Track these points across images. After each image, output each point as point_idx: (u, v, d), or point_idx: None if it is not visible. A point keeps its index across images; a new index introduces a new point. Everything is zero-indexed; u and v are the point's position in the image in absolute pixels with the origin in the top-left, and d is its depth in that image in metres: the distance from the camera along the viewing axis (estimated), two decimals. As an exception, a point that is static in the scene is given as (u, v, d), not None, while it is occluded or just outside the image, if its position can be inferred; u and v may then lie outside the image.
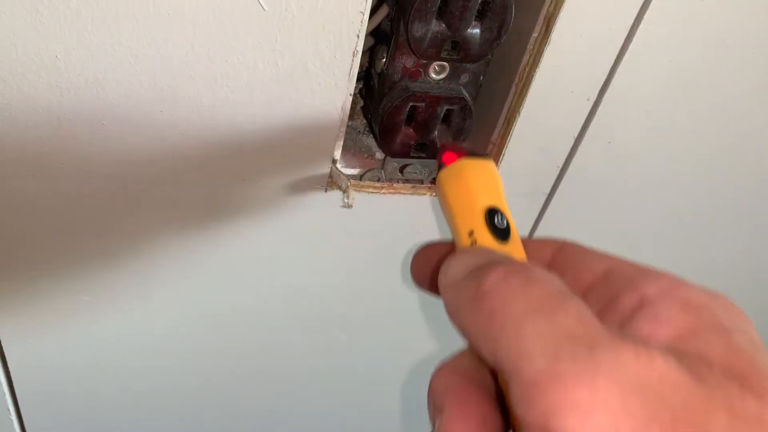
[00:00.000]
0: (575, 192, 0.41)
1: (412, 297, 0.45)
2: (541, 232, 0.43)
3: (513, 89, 0.35)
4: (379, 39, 0.35)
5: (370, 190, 0.37)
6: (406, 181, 0.38)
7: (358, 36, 0.29)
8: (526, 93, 0.34)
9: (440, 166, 0.24)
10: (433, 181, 0.38)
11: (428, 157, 0.37)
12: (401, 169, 0.38)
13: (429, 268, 0.23)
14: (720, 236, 0.48)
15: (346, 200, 0.34)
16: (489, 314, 0.17)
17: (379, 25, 0.34)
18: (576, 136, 0.37)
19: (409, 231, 0.40)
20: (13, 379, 0.42)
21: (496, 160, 0.38)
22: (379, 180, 0.38)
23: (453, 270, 0.20)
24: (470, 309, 0.18)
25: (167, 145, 0.32)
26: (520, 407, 0.16)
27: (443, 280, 0.20)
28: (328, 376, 0.50)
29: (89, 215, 0.34)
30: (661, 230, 0.46)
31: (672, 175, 0.42)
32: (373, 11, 0.33)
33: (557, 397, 0.15)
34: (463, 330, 0.19)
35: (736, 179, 0.43)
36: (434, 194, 0.38)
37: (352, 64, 0.30)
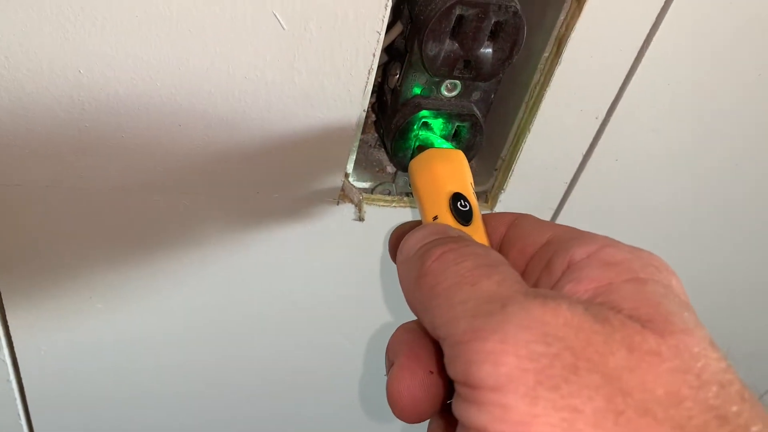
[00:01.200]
0: (582, 208, 0.41)
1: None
2: (547, 247, 0.43)
3: (523, 107, 0.36)
4: (392, 55, 0.36)
5: (381, 203, 0.38)
6: (416, 195, 0.39)
7: (373, 55, 0.30)
8: (536, 111, 0.35)
9: (414, 154, 0.26)
10: (443, 195, 0.39)
11: (439, 172, 0.37)
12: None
13: (399, 243, 0.25)
14: (727, 254, 0.48)
15: (358, 213, 0.35)
16: (429, 289, 0.19)
17: (393, 42, 0.35)
18: (584, 153, 0.38)
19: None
20: (24, 384, 0.43)
21: (505, 176, 0.38)
22: (389, 194, 0.38)
23: (406, 247, 0.22)
24: (415, 284, 0.20)
25: (184, 158, 0.32)
26: (449, 368, 0.18)
27: (399, 256, 0.22)
28: (335, 384, 0.50)
29: (104, 224, 0.35)
30: (667, 247, 0.47)
31: (678, 193, 0.42)
32: (387, 28, 0.33)
33: (474, 350, 0.17)
34: (411, 305, 0.21)
35: (744, 198, 0.44)
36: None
37: (367, 82, 0.31)
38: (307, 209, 0.36)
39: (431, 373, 0.21)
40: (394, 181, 0.38)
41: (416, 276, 0.20)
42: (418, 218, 0.39)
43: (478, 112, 0.35)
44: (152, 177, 0.33)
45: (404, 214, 0.38)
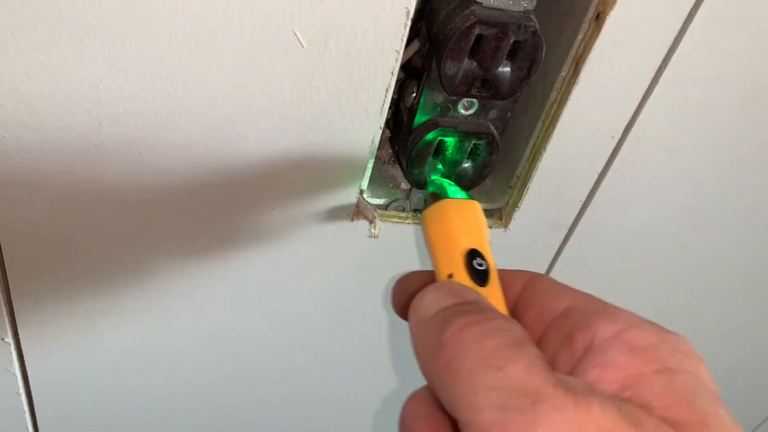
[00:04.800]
0: (596, 227, 0.41)
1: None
2: (561, 265, 0.43)
3: (539, 125, 0.36)
4: (408, 73, 0.36)
5: (395, 220, 0.38)
6: (430, 212, 0.39)
7: (392, 73, 0.30)
8: (552, 129, 0.35)
9: (426, 201, 0.25)
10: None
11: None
12: (426, 200, 0.38)
13: (408, 298, 0.24)
14: (746, 274, 0.48)
15: (372, 230, 0.35)
16: (447, 364, 0.18)
17: (410, 59, 0.35)
18: (599, 172, 0.38)
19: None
20: (34, 397, 0.43)
21: (520, 194, 0.38)
22: (403, 210, 0.38)
23: (421, 308, 0.21)
24: (432, 356, 0.19)
25: (200, 173, 0.32)
26: None
27: (413, 316, 0.21)
28: (346, 401, 0.50)
29: (117, 238, 0.35)
30: (683, 267, 0.46)
31: (694, 212, 0.42)
32: (404, 46, 0.33)
33: None
34: (425, 373, 0.19)
35: (762, 217, 0.43)
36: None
37: (384, 100, 0.31)
38: (321, 226, 0.36)
39: None
40: (408, 198, 0.38)
41: (434, 346, 0.19)
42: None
43: (494, 131, 0.34)
44: (167, 192, 0.33)
45: (419, 230, 0.38)
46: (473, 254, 0.23)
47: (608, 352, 0.18)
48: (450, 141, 0.34)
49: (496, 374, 0.17)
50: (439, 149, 0.35)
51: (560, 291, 0.22)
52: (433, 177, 0.35)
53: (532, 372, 0.17)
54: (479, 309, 0.20)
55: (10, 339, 0.38)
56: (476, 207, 0.25)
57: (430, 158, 0.35)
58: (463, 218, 0.24)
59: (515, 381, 0.17)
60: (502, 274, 0.24)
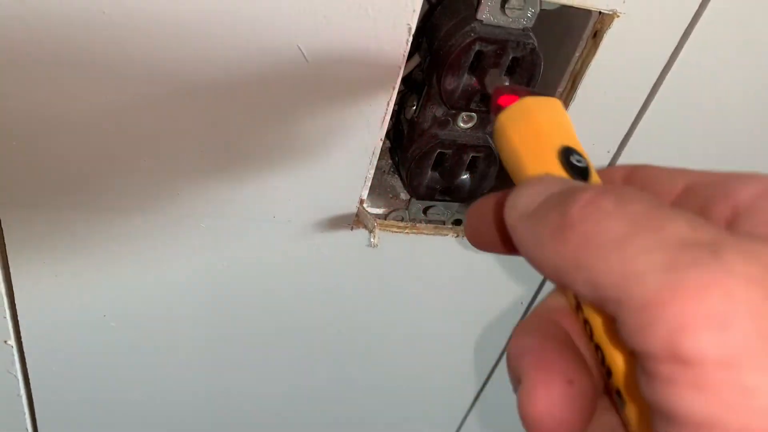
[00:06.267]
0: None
1: (434, 335, 0.45)
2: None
3: (537, 139, 0.36)
4: (409, 86, 0.37)
5: (394, 229, 0.38)
6: (429, 222, 0.39)
7: (393, 87, 0.30)
8: (549, 143, 0.35)
9: (497, 110, 0.21)
10: (457, 222, 0.40)
11: (452, 200, 0.38)
12: (425, 211, 0.39)
13: (487, 219, 0.21)
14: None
15: (372, 240, 0.35)
16: (582, 241, 0.15)
17: (411, 73, 0.35)
18: (595, 185, 0.39)
19: (430, 271, 0.41)
20: (34, 399, 0.43)
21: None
22: (402, 220, 0.39)
23: (525, 199, 0.17)
24: (556, 240, 0.15)
25: (203, 183, 0.33)
26: (637, 338, 0.13)
27: (512, 213, 0.17)
28: (346, 413, 0.50)
29: (121, 245, 0.35)
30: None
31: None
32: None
33: (683, 311, 0.12)
34: (548, 266, 0.16)
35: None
36: (458, 236, 0.39)
37: (385, 113, 0.31)
38: (322, 234, 0.37)
39: (571, 383, 0.17)
40: (407, 208, 0.39)
41: (557, 228, 0.15)
42: (436, 249, 0.39)
43: (492, 144, 0.35)
44: (171, 201, 0.33)
45: (417, 240, 0.39)
46: (568, 151, 0.20)
47: (759, 214, 0.15)
48: (449, 153, 0.35)
49: (654, 235, 0.14)
50: (438, 161, 0.36)
51: (672, 171, 0.18)
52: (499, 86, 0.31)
53: (697, 226, 0.14)
54: (601, 185, 0.17)
55: (12, 342, 0.39)
56: (560, 104, 0.21)
57: (429, 171, 0.36)
58: (550, 115, 0.21)
59: (681, 237, 0.13)
60: (601, 173, 0.20)
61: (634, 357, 0.14)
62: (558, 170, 0.19)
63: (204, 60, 0.28)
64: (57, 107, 0.28)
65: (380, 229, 0.38)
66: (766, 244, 0.13)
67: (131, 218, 0.34)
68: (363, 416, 0.52)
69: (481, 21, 0.30)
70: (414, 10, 0.28)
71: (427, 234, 0.39)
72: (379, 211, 0.39)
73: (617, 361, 0.16)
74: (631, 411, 0.16)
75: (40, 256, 0.35)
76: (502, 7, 0.30)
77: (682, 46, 0.32)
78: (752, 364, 0.12)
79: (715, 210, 0.16)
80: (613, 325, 0.15)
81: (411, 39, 0.29)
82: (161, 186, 0.33)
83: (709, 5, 0.31)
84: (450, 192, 0.37)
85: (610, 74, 0.33)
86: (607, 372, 0.17)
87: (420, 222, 0.39)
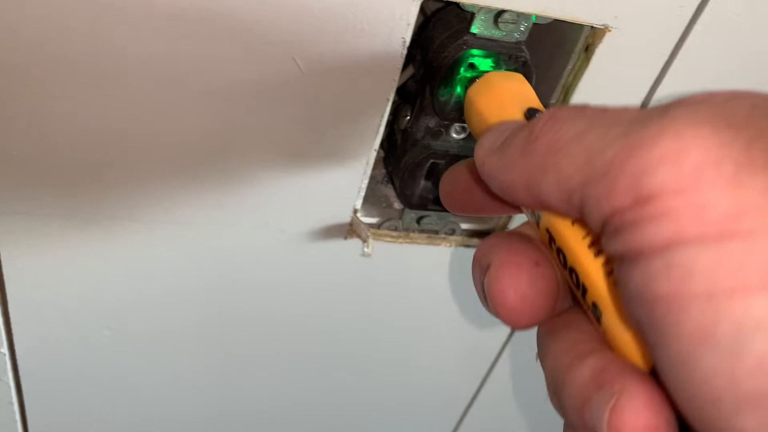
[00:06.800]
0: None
1: (426, 344, 0.46)
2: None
3: (529, 150, 0.37)
4: (403, 97, 0.37)
5: (387, 239, 0.38)
6: (422, 231, 0.39)
7: (387, 99, 0.31)
8: (541, 155, 0.36)
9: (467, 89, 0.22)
10: (450, 231, 0.40)
11: (445, 210, 0.38)
12: (418, 220, 0.39)
13: (459, 181, 0.22)
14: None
15: (366, 249, 0.36)
16: (547, 147, 0.16)
17: (405, 83, 0.36)
18: (587, 196, 0.39)
19: (423, 280, 0.41)
20: (27, 409, 0.43)
21: (511, 217, 0.39)
22: (396, 229, 0.39)
23: (492, 136, 0.18)
24: (523, 155, 0.16)
25: (198, 192, 0.33)
26: (604, 204, 0.14)
27: (481, 151, 0.19)
28: (337, 419, 0.50)
29: (116, 255, 0.36)
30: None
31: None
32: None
33: (641, 160, 0.13)
34: (517, 183, 0.17)
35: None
36: (451, 245, 0.39)
37: (379, 125, 0.32)
38: (315, 244, 0.37)
39: (537, 264, 0.18)
40: (400, 218, 0.39)
41: (525, 143, 0.16)
42: (429, 258, 0.39)
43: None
44: (164, 208, 0.34)
45: (411, 250, 0.39)
46: (533, 111, 0.21)
47: None
48: (442, 163, 0.35)
49: (609, 122, 0.15)
50: (431, 171, 0.36)
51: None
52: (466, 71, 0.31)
53: (645, 110, 0.15)
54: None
55: (5, 350, 0.39)
56: (522, 77, 0.23)
57: (422, 181, 0.36)
58: (514, 85, 0.22)
59: (633, 115, 0.15)
60: None
61: (603, 237, 0.15)
62: None
63: (198, 70, 0.28)
64: (52, 111, 0.28)
65: (374, 238, 0.38)
66: (706, 102, 0.14)
67: (124, 226, 0.34)
68: (353, 425, 0.52)
69: (475, 34, 0.30)
70: (409, 24, 0.28)
71: (420, 244, 0.39)
72: (373, 220, 0.39)
73: (592, 272, 0.17)
74: (608, 319, 0.17)
75: (33, 263, 0.35)
76: (495, 20, 0.30)
77: (672, 61, 0.33)
78: (705, 184, 0.13)
79: None
80: (584, 234, 0.17)
81: (405, 52, 0.29)
82: (154, 193, 0.33)
83: (700, 20, 0.31)
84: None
85: (602, 88, 0.33)
86: (583, 291, 0.17)
87: (413, 231, 0.39)
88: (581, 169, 0.15)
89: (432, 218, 0.39)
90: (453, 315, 0.44)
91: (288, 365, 0.45)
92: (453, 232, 0.40)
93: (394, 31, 0.28)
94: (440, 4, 0.32)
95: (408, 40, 0.29)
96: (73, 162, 0.31)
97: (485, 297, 0.18)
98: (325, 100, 0.30)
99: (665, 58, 0.33)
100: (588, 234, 0.17)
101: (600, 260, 0.17)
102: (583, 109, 0.16)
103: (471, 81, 0.27)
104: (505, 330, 0.46)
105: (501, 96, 0.22)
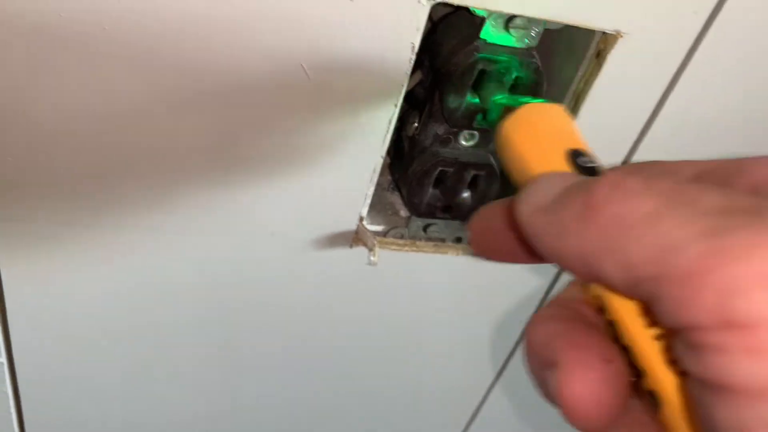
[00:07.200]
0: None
1: (432, 353, 0.45)
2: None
3: (538, 158, 0.36)
4: (410, 103, 0.36)
5: (394, 247, 0.38)
6: (429, 239, 0.39)
7: (395, 105, 0.30)
8: (551, 162, 0.35)
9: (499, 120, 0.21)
10: (457, 240, 0.39)
11: (452, 218, 0.38)
12: (425, 228, 0.38)
13: (492, 225, 0.20)
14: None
15: (372, 258, 0.35)
16: (610, 222, 0.14)
17: (412, 89, 0.35)
18: (596, 204, 0.38)
19: (430, 289, 0.40)
20: (25, 419, 0.43)
21: (518, 224, 0.38)
22: (402, 237, 0.38)
23: (540, 192, 0.16)
24: (581, 224, 0.15)
25: (201, 199, 0.32)
26: (681, 312, 0.12)
27: (525, 208, 0.17)
28: (343, 427, 0.50)
29: (116, 263, 0.35)
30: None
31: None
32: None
33: (733, 274, 0.12)
34: (572, 254, 0.15)
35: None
36: (458, 254, 0.39)
37: (387, 131, 0.31)
38: (321, 252, 0.36)
39: (609, 362, 0.16)
40: (407, 226, 0.38)
41: (582, 211, 0.15)
42: (435, 266, 0.39)
43: (494, 162, 0.35)
44: (168, 213, 0.33)
45: (417, 258, 0.38)
46: (576, 153, 0.19)
47: None
48: (450, 171, 0.35)
49: (688, 207, 0.13)
50: (439, 179, 0.35)
51: (680, 163, 0.18)
52: (498, 97, 0.30)
53: (731, 195, 0.13)
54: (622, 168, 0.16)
55: (3, 359, 0.38)
56: (563, 109, 0.21)
57: (430, 188, 0.36)
58: (554, 119, 0.20)
59: (716, 206, 0.13)
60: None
61: (673, 338, 0.13)
62: (568, 170, 0.18)
63: (205, 73, 0.27)
64: (51, 116, 0.28)
65: (380, 246, 0.37)
66: None
67: (126, 232, 0.34)
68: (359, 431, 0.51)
69: (485, 40, 0.30)
70: (418, 29, 0.28)
71: (426, 252, 0.38)
72: (379, 228, 0.38)
73: (652, 359, 0.15)
74: (669, 410, 0.15)
75: (32, 271, 0.35)
76: (506, 26, 0.29)
77: (685, 67, 0.32)
78: None
79: (734, 188, 0.16)
80: (645, 315, 0.15)
81: (414, 57, 0.29)
82: (158, 199, 0.32)
83: (713, 25, 0.31)
84: (450, 210, 0.37)
85: (613, 94, 0.33)
86: (638, 373, 0.16)
87: (420, 240, 0.39)
88: (655, 261, 0.13)
89: (439, 226, 0.38)
90: (459, 324, 0.44)
91: (294, 374, 0.44)
92: (460, 241, 0.39)
93: (403, 37, 0.28)
94: (448, 9, 0.32)
95: (417, 45, 0.28)
96: (74, 169, 0.30)
97: (552, 396, 0.16)
98: (332, 106, 0.29)
99: (678, 64, 0.32)
100: (648, 312, 0.15)
101: (660, 343, 0.15)
102: (653, 182, 0.14)
103: (506, 111, 0.24)
104: (512, 339, 0.45)
105: (540, 132, 0.20)
